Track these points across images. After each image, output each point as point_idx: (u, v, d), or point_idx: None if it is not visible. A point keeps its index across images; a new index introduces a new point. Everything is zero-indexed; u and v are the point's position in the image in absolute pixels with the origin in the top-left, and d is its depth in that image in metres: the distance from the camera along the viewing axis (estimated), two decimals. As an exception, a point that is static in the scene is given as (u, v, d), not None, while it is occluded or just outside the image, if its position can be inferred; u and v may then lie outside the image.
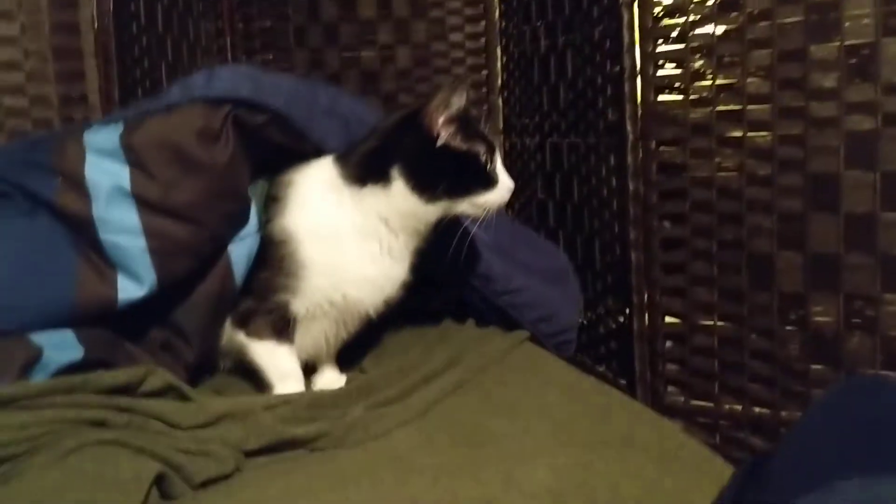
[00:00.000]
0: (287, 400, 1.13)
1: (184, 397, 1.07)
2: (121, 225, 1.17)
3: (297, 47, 2.14)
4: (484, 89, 2.05)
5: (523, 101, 1.90)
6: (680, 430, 1.18)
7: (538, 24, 1.80)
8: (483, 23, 2.03)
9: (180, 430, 1.00)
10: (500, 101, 2.02)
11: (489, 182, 1.23)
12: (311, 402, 1.13)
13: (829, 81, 1.28)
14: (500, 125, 2.01)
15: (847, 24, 1.25)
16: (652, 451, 1.07)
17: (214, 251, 1.24)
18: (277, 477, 0.94)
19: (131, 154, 1.19)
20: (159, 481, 0.89)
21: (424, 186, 1.20)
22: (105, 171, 1.18)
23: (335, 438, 1.05)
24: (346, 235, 1.25)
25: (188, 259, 1.21)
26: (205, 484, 0.92)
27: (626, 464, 1.01)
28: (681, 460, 1.07)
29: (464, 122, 1.22)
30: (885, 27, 1.22)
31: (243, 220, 1.28)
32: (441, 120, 1.21)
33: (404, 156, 1.22)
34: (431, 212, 1.22)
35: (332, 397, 1.18)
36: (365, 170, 1.25)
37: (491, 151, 1.24)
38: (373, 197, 1.23)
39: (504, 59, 2.00)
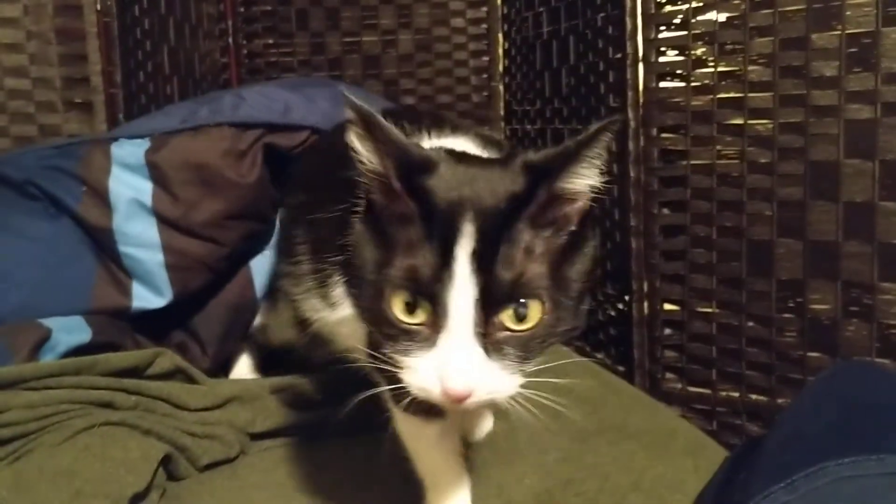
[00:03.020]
0: (294, 383, 1.13)
1: (192, 380, 1.08)
2: (140, 239, 1.20)
3: (298, 31, 2.14)
4: (485, 75, 2.05)
5: (524, 86, 1.90)
6: (675, 415, 1.19)
7: (540, 9, 1.80)
8: (485, 8, 2.03)
9: (188, 411, 1.01)
10: (501, 88, 2.02)
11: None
12: (320, 386, 1.14)
13: (829, 70, 1.28)
14: (502, 111, 2.01)
15: (848, 12, 1.25)
16: (644, 437, 1.08)
17: (233, 265, 1.25)
18: (282, 461, 0.95)
19: (155, 171, 1.22)
20: (166, 462, 0.91)
21: None
22: (128, 185, 1.21)
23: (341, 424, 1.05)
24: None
25: (204, 274, 1.24)
26: (210, 466, 0.94)
27: (618, 453, 1.01)
28: (674, 446, 1.08)
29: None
30: (885, 16, 1.22)
31: (265, 239, 1.30)
32: None
33: None
34: None
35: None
36: None
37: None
38: None
39: (506, 44, 2.00)
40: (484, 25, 2.05)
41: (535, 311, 0.72)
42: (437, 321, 0.71)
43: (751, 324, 1.38)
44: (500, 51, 2.02)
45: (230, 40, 2.13)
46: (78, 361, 1.00)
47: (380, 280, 0.74)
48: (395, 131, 0.73)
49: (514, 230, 0.72)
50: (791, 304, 1.33)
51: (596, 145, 0.73)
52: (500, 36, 2.01)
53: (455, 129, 0.98)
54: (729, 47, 1.37)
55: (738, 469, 0.85)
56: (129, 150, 1.24)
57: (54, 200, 1.21)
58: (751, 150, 1.36)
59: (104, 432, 0.90)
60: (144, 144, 1.24)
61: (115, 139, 1.27)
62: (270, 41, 2.15)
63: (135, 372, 1.03)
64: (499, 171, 0.76)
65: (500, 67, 2.02)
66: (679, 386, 1.46)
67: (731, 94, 1.37)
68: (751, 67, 1.35)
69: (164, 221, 1.21)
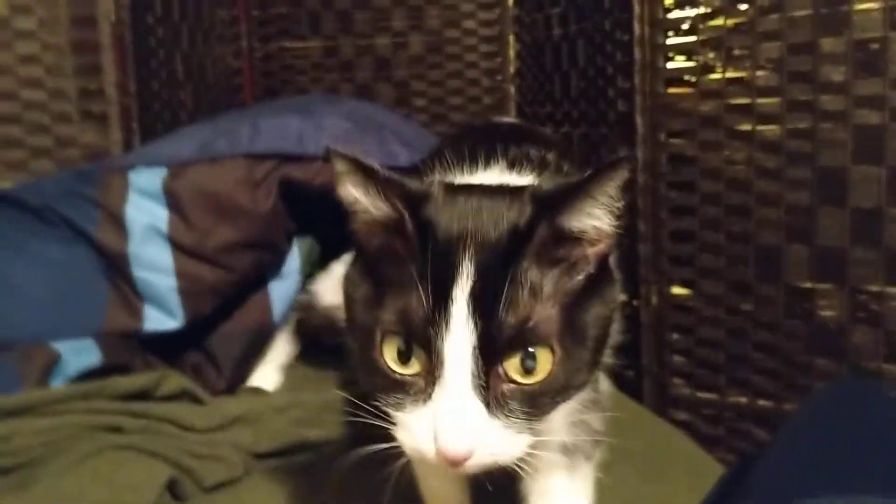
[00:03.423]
0: (298, 403, 1.15)
1: (198, 400, 1.10)
2: (154, 263, 1.24)
3: (311, 34, 2.15)
4: (497, 77, 2.06)
5: (535, 89, 1.90)
6: (672, 430, 1.19)
7: (552, 10, 1.80)
8: (496, 10, 2.04)
9: (194, 432, 1.03)
10: (512, 89, 2.03)
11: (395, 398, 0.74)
12: (324, 406, 1.15)
13: (837, 75, 1.28)
14: (513, 113, 2.02)
15: (856, 18, 1.25)
16: (639, 458, 1.08)
17: (249, 290, 1.28)
18: (286, 480, 0.97)
19: (171, 199, 1.25)
20: (171, 484, 0.93)
21: None
22: (145, 211, 1.25)
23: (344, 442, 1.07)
24: None
25: (215, 300, 1.27)
26: (215, 486, 0.96)
27: (611, 476, 1.01)
28: (669, 466, 1.08)
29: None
30: (893, 21, 1.21)
31: (275, 268, 1.32)
32: None
33: None
34: None
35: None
36: None
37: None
38: None
39: (517, 46, 2.01)
40: (496, 28, 2.05)
41: (544, 362, 0.64)
42: (432, 371, 0.64)
43: (758, 329, 1.38)
44: (512, 53, 2.03)
45: (244, 44, 2.15)
46: (86, 386, 1.03)
47: (370, 323, 0.67)
48: (387, 172, 0.69)
49: (517, 268, 0.64)
50: (798, 310, 1.34)
51: (605, 185, 0.66)
52: (512, 38, 2.02)
53: (491, 161, 0.88)
54: (737, 53, 1.37)
55: (730, 491, 0.86)
56: (147, 178, 1.28)
57: (71, 225, 1.24)
58: (759, 155, 1.36)
59: (111, 456, 0.92)
60: (162, 172, 1.28)
61: (133, 166, 1.30)
62: (283, 44, 2.17)
63: (142, 394, 1.05)
64: (506, 201, 0.69)
65: (512, 69, 2.03)
66: (687, 391, 1.46)
67: (740, 100, 1.37)
68: (759, 73, 1.35)
69: (178, 247, 1.25)
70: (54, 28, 1.57)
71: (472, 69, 2.10)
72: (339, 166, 0.69)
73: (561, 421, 0.81)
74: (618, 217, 0.68)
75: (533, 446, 0.66)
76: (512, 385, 0.64)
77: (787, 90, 1.32)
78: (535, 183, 0.72)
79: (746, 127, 1.36)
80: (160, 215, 1.26)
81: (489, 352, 0.63)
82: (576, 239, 0.68)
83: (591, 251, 0.69)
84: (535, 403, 0.65)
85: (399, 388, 0.65)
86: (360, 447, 1.00)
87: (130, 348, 1.22)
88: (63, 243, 1.24)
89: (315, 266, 1.40)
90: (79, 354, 1.13)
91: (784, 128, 1.33)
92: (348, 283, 0.73)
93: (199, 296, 1.25)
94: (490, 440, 0.63)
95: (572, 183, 0.67)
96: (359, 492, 0.95)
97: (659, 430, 1.17)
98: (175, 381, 1.09)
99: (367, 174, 0.68)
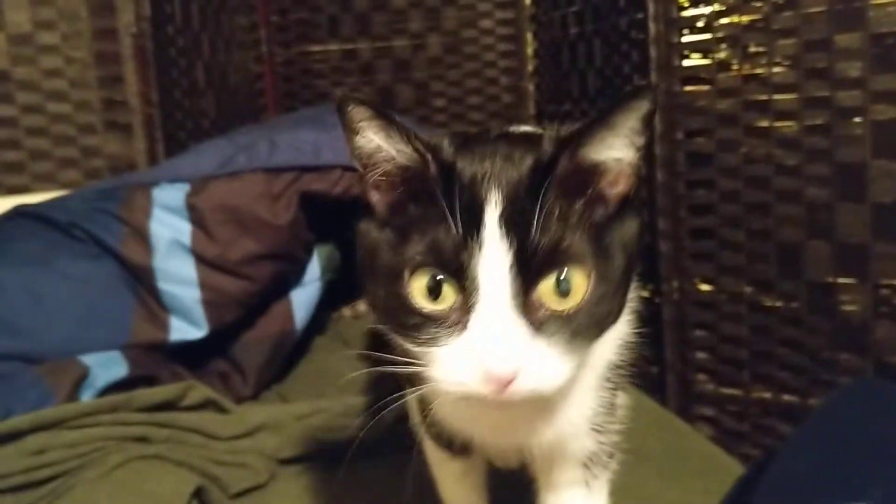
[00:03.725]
0: (320, 409, 1.17)
1: (222, 410, 1.12)
2: (178, 276, 1.27)
3: (329, 38, 2.17)
4: (515, 76, 2.07)
5: (553, 87, 1.91)
6: (690, 431, 1.19)
7: (567, 10, 1.81)
8: (513, 9, 2.04)
9: (219, 441, 1.05)
10: (531, 87, 2.03)
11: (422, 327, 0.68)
12: (345, 412, 1.17)
13: (854, 70, 1.27)
14: (532, 111, 2.03)
15: (871, 13, 1.24)
16: (659, 460, 1.08)
17: (271, 299, 1.31)
18: (311, 486, 0.99)
19: (194, 213, 1.29)
20: (198, 492, 0.95)
21: None
22: (168, 226, 1.28)
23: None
24: None
25: (238, 310, 1.30)
26: (241, 493, 0.98)
27: (631, 478, 1.01)
28: (687, 468, 1.08)
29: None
30: (909, 16, 1.21)
31: (296, 277, 1.35)
32: None
33: None
34: None
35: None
36: None
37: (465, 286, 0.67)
38: None
39: (535, 45, 2.02)
40: (513, 27, 2.06)
41: (579, 283, 0.63)
42: (467, 299, 0.62)
43: (782, 325, 1.38)
44: (530, 51, 2.03)
45: (264, 50, 2.17)
46: (114, 399, 1.06)
47: (396, 263, 0.65)
48: (404, 122, 0.67)
49: (545, 197, 0.63)
50: (821, 306, 1.33)
51: (626, 116, 0.65)
52: (530, 36, 2.02)
53: None
54: (753, 50, 1.37)
55: (747, 492, 0.87)
56: (170, 194, 1.31)
57: (98, 241, 1.28)
58: (777, 152, 1.36)
59: (139, 467, 0.95)
60: (184, 188, 1.32)
61: (156, 183, 1.34)
62: (303, 49, 2.19)
63: (168, 405, 1.08)
64: (528, 145, 0.69)
65: (530, 67, 2.03)
66: (711, 387, 1.47)
67: (756, 97, 1.37)
68: (775, 69, 1.35)
69: (201, 260, 1.28)
70: (77, 42, 1.60)
71: (491, 68, 2.11)
72: (359, 114, 0.67)
73: (584, 426, 0.81)
74: (639, 149, 0.67)
75: (571, 380, 0.66)
76: (548, 311, 0.63)
77: (803, 86, 1.32)
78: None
79: (764, 124, 1.36)
80: (183, 229, 1.29)
81: (525, 272, 0.62)
82: (597, 172, 0.67)
83: (613, 191, 0.68)
84: (572, 329, 0.64)
85: (431, 323, 0.64)
86: (381, 452, 1.02)
87: (156, 360, 1.25)
88: (90, 259, 1.28)
89: (336, 273, 1.43)
90: (106, 367, 1.16)
91: (801, 124, 1.33)
92: (364, 235, 0.70)
93: (221, 306, 1.28)
94: (533, 362, 0.62)
95: (593, 117, 0.66)
96: (379, 496, 0.97)
97: (678, 431, 1.18)
98: (199, 391, 1.12)
99: (387, 120, 0.66)
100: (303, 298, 1.37)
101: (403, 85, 2.13)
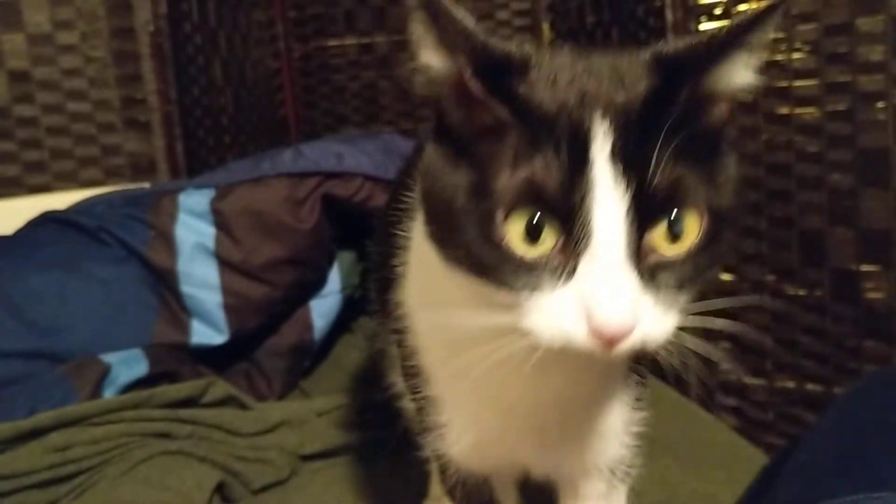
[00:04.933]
0: (340, 405, 1.18)
1: (244, 406, 1.13)
2: (201, 280, 1.29)
3: (347, 32, 2.17)
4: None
5: (571, 77, 1.90)
6: (712, 421, 1.18)
7: (584, -1, 1.80)
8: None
9: (240, 437, 1.06)
10: (549, 78, 2.02)
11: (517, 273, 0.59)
12: (365, 407, 1.18)
13: (875, 55, 1.25)
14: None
15: (893, -4, 1.23)
16: (679, 450, 1.07)
17: (288, 308, 1.32)
18: (332, 481, 0.99)
19: (219, 217, 1.31)
20: (220, 487, 0.96)
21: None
22: (194, 230, 1.30)
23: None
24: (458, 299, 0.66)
25: (259, 316, 1.32)
26: (263, 488, 0.99)
27: (652, 468, 0.99)
28: (709, 458, 1.08)
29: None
30: (931, -2, 1.19)
31: (317, 286, 1.36)
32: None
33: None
34: None
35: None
36: None
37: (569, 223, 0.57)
38: None
39: (552, 35, 2.00)
40: (530, 17, 2.05)
41: (691, 228, 0.57)
42: (571, 244, 0.55)
43: (805, 313, 1.37)
44: (547, 41, 2.02)
45: (281, 45, 2.17)
46: (136, 396, 1.07)
47: (483, 206, 0.56)
48: (469, 21, 0.57)
49: (657, 131, 0.56)
50: (845, 293, 1.32)
51: (762, 29, 0.58)
52: (546, 26, 2.01)
53: None
54: (772, 35, 1.35)
55: (770, 481, 0.86)
56: (196, 199, 1.34)
57: (125, 245, 1.30)
58: (798, 138, 1.34)
59: (162, 463, 0.96)
60: (210, 193, 1.33)
61: (183, 189, 1.36)
62: (320, 44, 2.19)
63: (190, 402, 1.08)
64: (622, 63, 0.59)
65: (547, 58, 2.02)
66: (735, 377, 1.46)
67: (777, 83, 1.35)
68: (795, 55, 1.33)
69: (224, 264, 1.30)
70: (95, 41, 1.61)
71: (508, 59, 2.10)
72: (418, 27, 0.58)
73: (619, 425, 0.77)
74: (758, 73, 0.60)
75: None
76: (659, 257, 0.57)
77: (824, 72, 1.30)
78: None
79: (784, 110, 1.35)
80: (208, 233, 1.31)
81: (639, 216, 0.55)
82: (716, 99, 0.60)
83: (721, 121, 0.61)
84: (681, 277, 0.58)
85: (529, 270, 0.56)
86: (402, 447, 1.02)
87: (178, 357, 1.26)
88: (116, 262, 1.30)
89: (357, 289, 1.44)
90: (128, 366, 1.17)
91: (823, 110, 1.31)
92: (431, 176, 0.61)
93: (243, 311, 1.30)
94: (644, 317, 0.56)
95: (719, 37, 0.58)
96: (399, 490, 0.97)
97: (700, 421, 1.17)
98: (220, 387, 1.13)
99: (437, 13, 0.57)
100: (322, 309, 1.39)
101: (421, 78, 2.12)
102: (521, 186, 0.56)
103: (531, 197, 0.55)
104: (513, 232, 0.56)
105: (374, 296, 0.93)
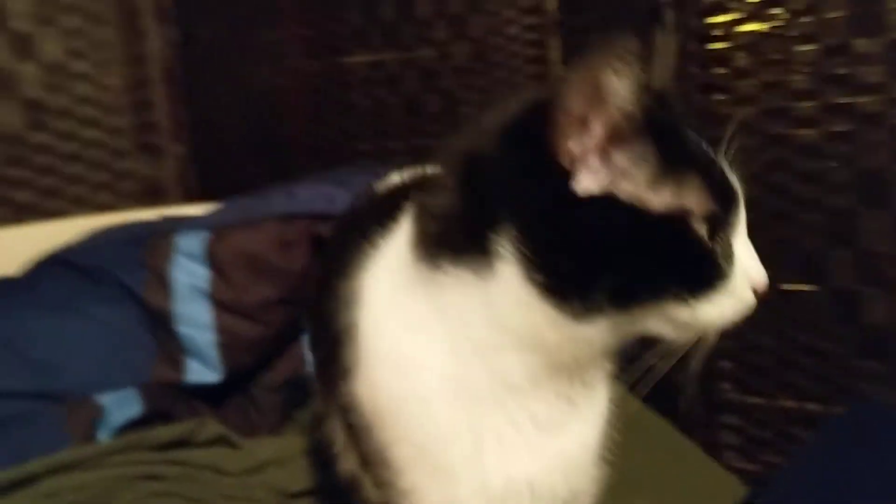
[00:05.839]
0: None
1: (233, 445, 1.15)
2: (196, 320, 1.32)
3: (357, 50, 2.19)
4: (544, 81, 2.06)
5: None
6: (692, 450, 1.19)
7: (591, 15, 1.80)
8: (538, 16, 2.04)
9: (230, 476, 1.08)
10: (559, 93, 2.03)
11: (712, 274, 0.66)
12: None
13: (874, 76, 1.26)
14: (559, 117, 2.02)
15: (891, 18, 1.23)
16: (658, 483, 1.07)
17: (282, 345, 1.35)
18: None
19: (214, 260, 1.33)
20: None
21: (562, 283, 0.62)
22: (188, 272, 1.34)
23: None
24: (434, 384, 0.67)
25: (253, 354, 1.35)
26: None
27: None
28: (690, 490, 1.08)
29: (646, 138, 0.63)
30: (928, 20, 1.20)
31: None
32: (586, 140, 0.62)
33: (519, 210, 0.63)
34: (583, 334, 0.64)
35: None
36: (444, 233, 0.68)
37: (727, 206, 0.68)
38: (460, 292, 0.65)
39: (562, 50, 2.01)
40: (538, 33, 2.05)
41: None
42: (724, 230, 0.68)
43: (805, 333, 1.37)
44: (555, 56, 2.03)
45: (291, 63, 2.19)
46: (128, 439, 1.09)
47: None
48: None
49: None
50: (844, 313, 1.32)
51: None
52: (555, 43, 2.02)
53: None
54: (771, 57, 1.36)
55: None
56: (191, 241, 1.37)
57: (121, 285, 1.33)
58: (798, 159, 1.35)
59: (150, 504, 0.98)
60: (206, 235, 1.36)
61: (179, 230, 1.39)
62: (330, 61, 2.20)
63: (181, 442, 1.11)
64: None
65: (557, 73, 2.03)
66: (735, 395, 1.47)
67: (776, 104, 1.36)
68: (794, 76, 1.34)
69: (218, 304, 1.33)
70: (107, 69, 1.64)
71: (517, 75, 2.11)
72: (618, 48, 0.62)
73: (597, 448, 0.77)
74: None
75: None
76: None
77: (823, 93, 1.31)
78: None
79: (783, 131, 1.35)
80: (202, 275, 1.34)
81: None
82: None
83: None
84: None
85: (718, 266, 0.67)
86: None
87: (172, 396, 1.29)
88: (113, 303, 1.33)
89: None
90: (121, 406, 1.20)
91: (822, 131, 1.32)
92: (595, 216, 0.64)
93: (237, 350, 1.32)
94: None
95: None
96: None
97: (679, 450, 1.17)
98: (211, 427, 1.15)
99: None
100: None
101: (431, 95, 2.14)
102: (704, 200, 0.66)
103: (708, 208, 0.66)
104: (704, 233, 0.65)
105: (316, 370, 0.90)
